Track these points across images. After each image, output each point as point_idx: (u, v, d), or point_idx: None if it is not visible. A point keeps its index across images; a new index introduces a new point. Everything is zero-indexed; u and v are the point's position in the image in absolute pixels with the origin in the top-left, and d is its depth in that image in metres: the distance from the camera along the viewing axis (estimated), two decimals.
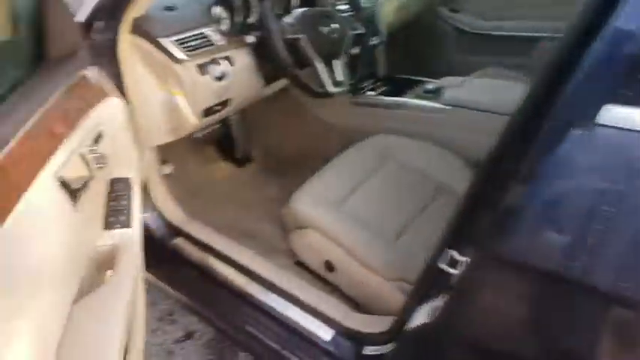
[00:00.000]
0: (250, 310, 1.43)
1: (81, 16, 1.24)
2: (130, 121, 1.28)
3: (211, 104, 1.53)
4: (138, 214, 1.14)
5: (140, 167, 1.33)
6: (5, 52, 1.00)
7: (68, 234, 0.86)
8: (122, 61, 1.33)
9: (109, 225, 1.07)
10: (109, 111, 1.14)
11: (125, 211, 1.10)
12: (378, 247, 1.35)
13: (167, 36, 1.38)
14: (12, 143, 0.77)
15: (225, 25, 1.55)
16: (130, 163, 1.23)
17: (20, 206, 0.71)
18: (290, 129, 2.32)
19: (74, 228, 0.88)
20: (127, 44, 1.34)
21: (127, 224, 1.08)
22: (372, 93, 2.18)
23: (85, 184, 0.94)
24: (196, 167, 2.14)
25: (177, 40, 1.39)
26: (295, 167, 2.10)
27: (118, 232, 1.06)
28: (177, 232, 1.68)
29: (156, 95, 1.46)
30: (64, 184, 0.85)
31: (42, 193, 0.78)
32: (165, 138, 1.55)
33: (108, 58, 1.29)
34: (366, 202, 1.52)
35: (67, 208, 0.85)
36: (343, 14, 1.84)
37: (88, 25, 1.25)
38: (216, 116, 1.61)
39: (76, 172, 0.91)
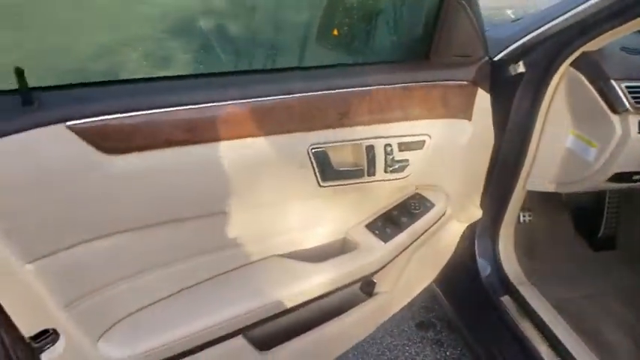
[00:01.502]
0: None
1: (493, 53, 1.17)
2: (476, 157, 1.16)
3: (632, 169, 1.22)
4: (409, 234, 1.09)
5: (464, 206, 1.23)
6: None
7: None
8: (547, 92, 1.19)
9: (371, 225, 1.07)
10: (454, 129, 1.05)
11: (395, 229, 1.06)
12: None
13: (618, 79, 1.15)
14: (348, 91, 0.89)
15: None
16: (446, 192, 1.16)
17: None
18: None
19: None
20: (560, 76, 1.19)
21: (386, 238, 1.05)
22: None
23: (355, 171, 0.94)
24: (548, 227, 1.86)
25: (628, 87, 1.14)
26: None
27: (369, 237, 1.05)
28: (508, 289, 1.48)
29: (564, 138, 1.27)
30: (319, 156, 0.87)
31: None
32: (550, 187, 1.36)
33: (522, 87, 1.18)
34: None
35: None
36: None
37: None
38: (627, 185, 1.30)
39: (357, 154, 0.93)
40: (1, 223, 0.61)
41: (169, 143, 0.71)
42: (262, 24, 1.04)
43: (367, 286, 1.20)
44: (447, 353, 1.80)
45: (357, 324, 1.18)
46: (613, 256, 1.87)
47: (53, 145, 0.62)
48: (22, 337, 0.73)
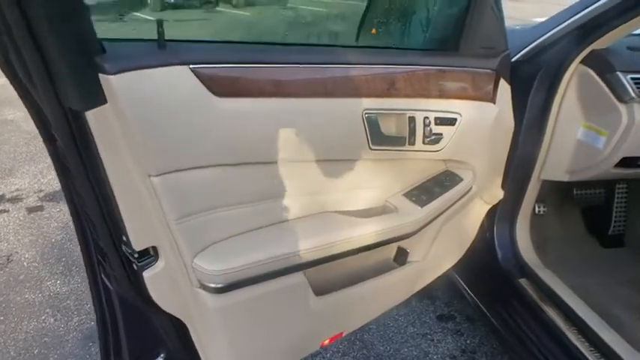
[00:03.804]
0: None
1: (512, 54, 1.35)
2: (501, 143, 1.31)
3: (638, 154, 1.36)
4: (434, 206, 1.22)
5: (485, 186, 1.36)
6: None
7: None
8: (559, 88, 1.35)
9: (408, 194, 1.21)
10: (481, 110, 1.21)
11: (429, 197, 1.20)
12: None
13: (624, 71, 1.31)
14: (395, 68, 1.06)
15: None
16: (473, 168, 1.28)
17: None
18: None
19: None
20: (572, 73, 1.35)
21: (422, 204, 1.18)
22: None
23: (399, 138, 1.10)
24: (560, 222, 1.98)
25: (633, 79, 1.30)
26: None
27: (407, 203, 1.18)
28: (525, 272, 1.59)
29: (575, 129, 1.42)
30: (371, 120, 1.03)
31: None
32: (563, 176, 1.49)
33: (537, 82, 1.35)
34: None
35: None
36: None
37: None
38: (633, 170, 1.44)
39: (400, 123, 1.08)
40: (133, 138, 0.75)
41: (261, 93, 0.87)
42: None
43: (401, 255, 1.32)
44: (468, 342, 1.89)
45: (391, 288, 1.30)
46: (622, 253, 1.97)
47: (178, 80, 0.78)
48: (126, 257, 0.86)
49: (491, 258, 1.65)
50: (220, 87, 0.82)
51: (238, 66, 0.85)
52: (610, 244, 1.97)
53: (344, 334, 1.26)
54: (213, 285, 0.91)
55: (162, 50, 0.78)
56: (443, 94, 1.14)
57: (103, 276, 1.03)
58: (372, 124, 1.03)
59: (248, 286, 0.95)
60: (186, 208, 0.86)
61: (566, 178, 1.52)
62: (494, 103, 1.23)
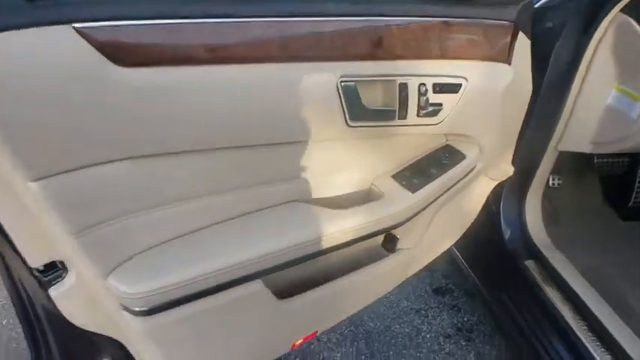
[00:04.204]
0: None
1: None
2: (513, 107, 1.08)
3: None
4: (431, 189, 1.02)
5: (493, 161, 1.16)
6: None
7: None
8: (591, 41, 1.11)
9: (398, 176, 1.00)
10: (493, 73, 0.97)
11: (423, 179, 1.00)
12: None
13: None
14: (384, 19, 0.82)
15: None
16: (478, 143, 1.07)
17: None
18: None
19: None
20: (608, 24, 1.10)
21: (413, 189, 0.98)
22: None
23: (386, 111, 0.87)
24: (576, 193, 1.78)
25: None
26: None
27: (396, 187, 0.98)
28: (532, 254, 1.42)
29: (605, 93, 1.18)
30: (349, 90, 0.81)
31: None
32: (586, 147, 1.28)
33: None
34: None
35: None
36: None
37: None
38: None
39: (389, 92, 0.86)
40: (2, 133, 0.55)
41: (189, 60, 0.65)
42: None
43: (389, 242, 1.15)
44: (465, 319, 1.76)
45: (375, 281, 1.14)
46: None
47: (58, 47, 0.55)
48: (30, 270, 0.69)
49: (496, 236, 1.48)
50: (125, 53, 0.60)
51: (151, 23, 0.61)
52: (630, 216, 1.79)
53: (318, 333, 1.12)
54: (136, 308, 0.73)
55: (31, 4, 0.55)
56: (445, 54, 0.90)
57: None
58: (350, 95, 0.81)
59: (183, 305, 0.77)
60: (87, 217, 0.67)
61: (588, 150, 1.30)
62: (510, 63, 0.99)
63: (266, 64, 0.71)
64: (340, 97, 0.80)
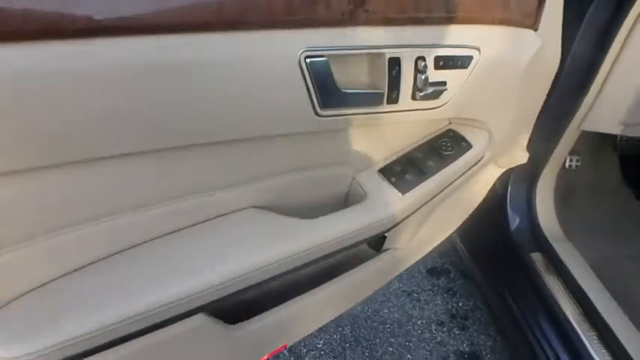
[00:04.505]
0: None
1: None
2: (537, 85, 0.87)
3: None
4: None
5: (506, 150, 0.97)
6: None
7: None
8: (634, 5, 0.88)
9: (386, 170, 0.81)
10: (515, 41, 0.75)
11: (417, 176, 0.80)
12: None
13: None
14: None
15: None
16: (489, 129, 0.86)
17: None
18: None
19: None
20: None
21: (404, 188, 0.79)
22: None
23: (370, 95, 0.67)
24: (593, 173, 1.59)
25: None
26: None
27: (384, 186, 0.80)
28: (540, 245, 1.25)
29: None
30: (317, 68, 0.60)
31: None
32: (614, 128, 1.07)
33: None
34: None
35: None
36: None
37: None
38: None
39: (374, 70, 0.65)
40: None
41: (77, 33, 0.44)
42: None
43: (375, 241, 0.97)
44: (459, 304, 1.63)
45: (355, 287, 0.97)
46: None
47: None
48: None
49: (500, 223, 1.31)
50: None
51: None
52: None
53: (288, 346, 0.96)
54: None
55: None
56: (452, 17, 0.67)
57: None
58: (320, 74, 0.59)
59: (97, 354, 0.59)
60: None
61: (617, 132, 1.09)
62: (537, 29, 0.77)
63: (195, 35, 0.50)
64: (305, 77, 0.58)
